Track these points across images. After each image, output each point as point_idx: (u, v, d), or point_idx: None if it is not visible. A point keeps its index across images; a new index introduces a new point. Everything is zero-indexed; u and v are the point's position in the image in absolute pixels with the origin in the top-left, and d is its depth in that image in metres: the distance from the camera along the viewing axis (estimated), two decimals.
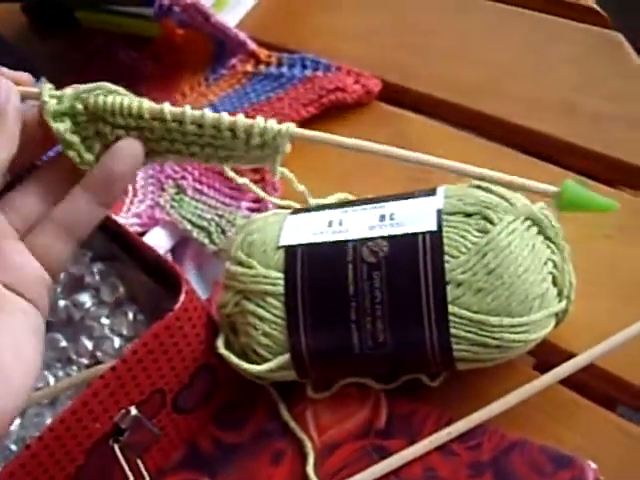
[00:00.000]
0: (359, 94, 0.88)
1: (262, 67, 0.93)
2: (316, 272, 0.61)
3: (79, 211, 0.53)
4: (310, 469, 0.64)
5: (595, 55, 0.86)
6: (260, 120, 0.53)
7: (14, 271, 0.52)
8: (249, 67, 0.94)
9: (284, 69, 0.92)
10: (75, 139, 0.52)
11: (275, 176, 0.55)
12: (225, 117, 0.52)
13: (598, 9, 0.90)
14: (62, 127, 0.51)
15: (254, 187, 0.73)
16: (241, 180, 0.71)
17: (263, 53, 0.94)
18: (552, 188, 0.54)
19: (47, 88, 0.52)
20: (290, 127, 0.53)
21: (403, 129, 0.85)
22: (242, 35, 0.94)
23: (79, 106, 0.52)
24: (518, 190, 0.57)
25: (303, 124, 0.87)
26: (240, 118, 0.52)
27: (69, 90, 0.52)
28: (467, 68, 0.88)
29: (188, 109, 0.52)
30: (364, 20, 0.99)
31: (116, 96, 0.52)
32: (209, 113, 0.52)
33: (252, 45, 0.94)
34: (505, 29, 0.91)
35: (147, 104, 0.52)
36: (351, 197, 0.72)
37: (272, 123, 0.53)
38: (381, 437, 0.64)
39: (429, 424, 0.64)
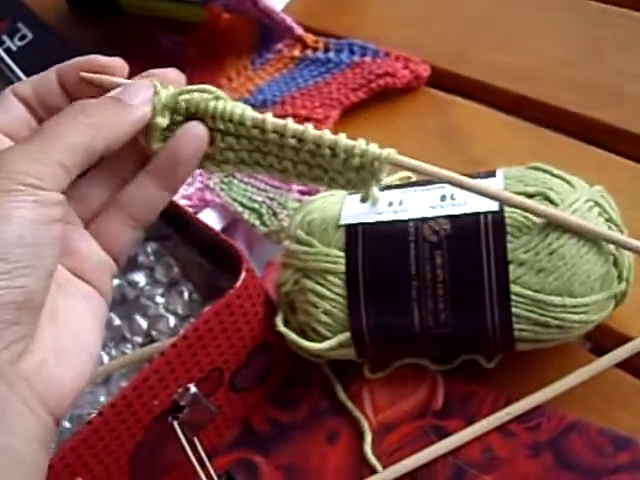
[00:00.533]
0: (408, 79, 0.87)
1: (309, 52, 0.93)
2: (377, 251, 0.61)
3: (144, 196, 0.53)
4: (368, 448, 0.64)
5: None
6: (362, 142, 0.52)
7: (78, 257, 0.52)
8: (296, 52, 0.94)
9: (331, 54, 0.92)
10: (158, 135, 0.51)
11: (370, 202, 0.55)
12: (327, 135, 0.52)
13: None
14: (162, 122, 0.51)
15: None
16: None
17: (310, 38, 0.94)
18: None
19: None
20: (391, 153, 0.53)
21: (453, 115, 0.85)
22: (289, 20, 0.94)
23: (182, 104, 0.51)
24: None
25: (352, 108, 0.88)
26: (342, 137, 0.52)
27: (172, 87, 0.52)
28: (517, 54, 0.88)
29: (290, 123, 0.51)
30: (411, 6, 0.98)
31: (219, 100, 0.52)
32: (311, 129, 0.52)
33: (299, 30, 0.94)
34: (555, 16, 0.91)
35: (250, 112, 0.52)
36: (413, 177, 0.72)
37: (374, 147, 0.52)
38: (439, 418, 0.64)
39: (486, 405, 0.64)
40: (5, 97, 0.52)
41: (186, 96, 0.51)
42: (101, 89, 0.52)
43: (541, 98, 0.84)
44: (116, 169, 0.53)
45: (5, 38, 1.01)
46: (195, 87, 0.52)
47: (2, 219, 0.44)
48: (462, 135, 0.82)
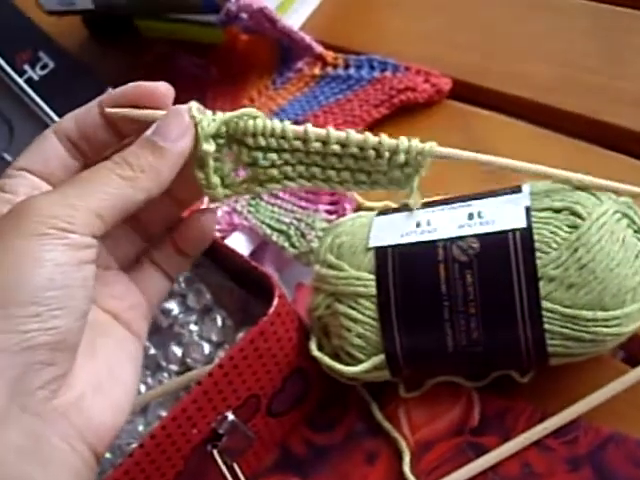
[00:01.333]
0: (429, 93, 0.88)
1: (329, 69, 0.94)
2: (408, 273, 0.62)
3: (170, 259, 0.57)
4: (407, 468, 0.64)
5: None
6: (404, 139, 0.53)
7: (116, 300, 0.53)
8: (316, 70, 0.94)
9: (352, 71, 0.92)
10: (212, 163, 0.52)
11: (412, 199, 0.56)
12: (370, 137, 0.53)
13: None
14: (210, 149, 0.52)
15: None
16: None
17: (330, 55, 0.94)
18: None
19: (196, 108, 0.52)
20: (433, 145, 0.54)
21: (476, 127, 0.85)
22: (308, 38, 0.94)
23: (223, 129, 0.52)
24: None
25: (375, 124, 0.88)
26: (385, 137, 0.53)
27: (220, 115, 0.52)
28: (538, 63, 0.88)
29: (332, 130, 0.52)
30: (429, 19, 0.98)
31: (259, 119, 0.53)
32: (354, 133, 0.52)
33: (319, 48, 0.95)
34: (575, 22, 0.91)
35: (290, 125, 0.53)
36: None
37: (416, 142, 0.54)
38: (475, 434, 0.65)
39: (522, 420, 0.64)
40: (44, 138, 0.53)
41: (232, 122, 0.52)
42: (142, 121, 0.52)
43: (565, 106, 0.84)
44: (147, 221, 0.55)
45: (27, 68, 1.01)
46: (237, 113, 0.53)
47: (34, 262, 0.45)
48: (486, 147, 0.81)
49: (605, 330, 0.59)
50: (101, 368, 0.50)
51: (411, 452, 0.65)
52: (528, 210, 0.60)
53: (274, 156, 0.53)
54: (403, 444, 0.65)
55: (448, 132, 0.86)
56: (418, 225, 0.63)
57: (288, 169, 0.54)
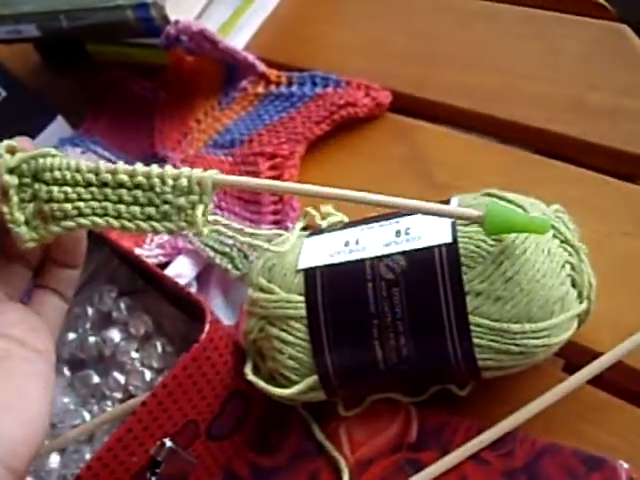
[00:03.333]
0: (370, 107, 0.88)
1: (273, 87, 0.94)
2: (336, 293, 0.62)
3: (59, 276, 0.61)
4: None
5: (604, 49, 0.85)
6: (186, 168, 0.55)
7: (15, 326, 0.56)
8: (260, 89, 0.95)
9: (294, 88, 0.93)
10: (15, 198, 0.55)
11: (196, 229, 0.56)
12: (155, 168, 0.55)
13: (602, 2, 0.90)
14: (12, 181, 0.55)
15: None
16: None
17: (273, 74, 0.94)
18: (475, 213, 0.56)
19: (3, 146, 0.55)
20: (214, 173, 0.55)
21: (417, 139, 0.85)
22: (251, 57, 0.94)
23: (25, 167, 0.55)
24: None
25: (318, 141, 0.88)
26: (169, 167, 0.55)
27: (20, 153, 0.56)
28: (478, 73, 0.88)
29: (121, 164, 0.55)
30: (371, 32, 0.99)
31: (57, 157, 0.56)
32: (140, 166, 0.55)
33: (262, 66, 0.95)
34: (513, 30, 0.91)
35: (84, 162, 0.55)
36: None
37: (198, 170, 0.55)
38: (413, 450, 0.65)
39: (460, 434, 0.64)
40: None
41: (31, 161, 0.55)
42: None
43: (504, 115, 0.84)
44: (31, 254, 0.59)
45: None
46: (36, 152, 0.56)
47: None
48: (427, 160, 0.82)
49: (534, 342, 0.59)
50: (6, 390, 0.52)
51: (351, 471, 0.65)
52: (454, 225, 0.61)
53: (68, 189, 0.55)
54: (342, 463, 0.65)
55: (390, 146, 0.86)
56: (347, 244, 0.63)
57: (81, 204, 0.55)
